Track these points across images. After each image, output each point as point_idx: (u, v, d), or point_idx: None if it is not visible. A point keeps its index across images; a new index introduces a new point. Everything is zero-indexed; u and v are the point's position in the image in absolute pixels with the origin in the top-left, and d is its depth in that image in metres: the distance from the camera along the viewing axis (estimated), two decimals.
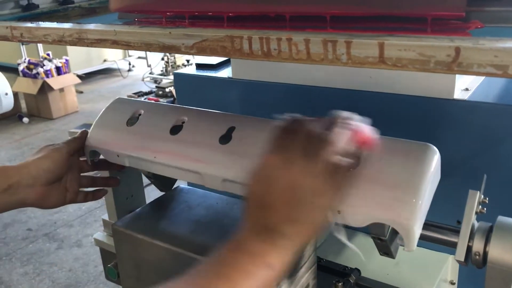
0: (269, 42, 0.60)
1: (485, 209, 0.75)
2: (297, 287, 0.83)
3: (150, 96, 6.18)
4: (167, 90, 6.14)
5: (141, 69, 8.07)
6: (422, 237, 0.75)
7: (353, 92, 1.10)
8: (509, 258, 0.68)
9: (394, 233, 0.76)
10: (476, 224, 0.74)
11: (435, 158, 0.69)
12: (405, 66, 0.52)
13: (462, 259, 0.73)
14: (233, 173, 0.79)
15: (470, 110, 0.97)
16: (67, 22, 0.88)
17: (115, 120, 0.98)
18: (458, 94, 1.00)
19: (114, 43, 0.75)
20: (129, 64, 8.34)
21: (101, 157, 0.98)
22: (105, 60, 8.22)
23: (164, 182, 1.04)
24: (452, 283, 1.08)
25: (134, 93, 6.35)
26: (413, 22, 0.71)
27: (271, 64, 1.21)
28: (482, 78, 1.11)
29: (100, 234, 1.22)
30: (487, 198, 0.76)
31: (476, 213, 0.75)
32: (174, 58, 6.28)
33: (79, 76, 6.82)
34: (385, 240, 0.75)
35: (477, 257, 0.72)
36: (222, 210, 0.90)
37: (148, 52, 8.30)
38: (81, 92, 7.18)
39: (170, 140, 0.87)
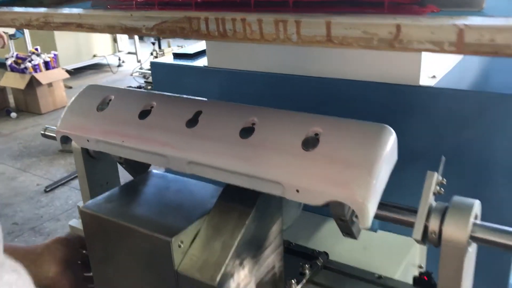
0: (224, 23, 0.61)
1: (443, 190, 0.77)
2: (261, 267, 0.85)
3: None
4: None
5: (131, 64, 8.05)
6: (380, 217, 0.77)
7: (324, 80, 1.11)
8: (461, 236, 0.70)
9: (355, 214, 0.78)
10: (434, 204, 0.76)
11: (391, 139, 0.71)
12: (351, 44, 0.53)
13: (419, 238, 0.74)
14: (198, 155, 0.81)
15: (435, 96, 0.99)
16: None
17: (86, 106, 0.99)
18: (425, 81, 1.01)
19: (79, 26, 0.76)
20: (119, 59, 8.32)
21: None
22: (94, 55, 8.18)
23: (136, 168, 1.05)
24: (420, 267, 1.10)
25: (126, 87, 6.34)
26: (371, 6, 0.72)
27: (245, 52, 1.22)
28: (451, 66, 1.13)
29: (76, 221, 1.24)
30: (445, 180, 0.78)
31: (434, 194, 0.77)
32: (163, 52, 6.28)
33: (68, 71, 6.79)
34: (346, 220, 0.77)
35: (433, 235, 0.74)
36: (190, 194, 0.91)
37: (137, 47, 8.28)
38: (70, 87, 7.15)
39: (138, 124, 0.88)
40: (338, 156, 0.69)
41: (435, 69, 1.07)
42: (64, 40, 7.54)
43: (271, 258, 0.88)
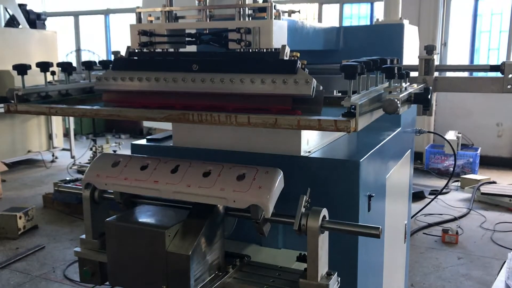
0: (202, 115, 1.33)
1: (308, 204, 1.47)
2: (212, 254, 1.49)
3: (77, 183, 6.59)
4: None
5: (65, 160, 8.45)
6: (276, 222, 1.47)
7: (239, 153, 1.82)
8: (315, 226, 1.40)
9: (264, 220, 1.46)
10: (303, 211, 1.45)
11: (280, 175, 1.43)
12: (258, 125, 1.26)
13: (297, 228, 1.43)
14: (179, 188, 1.47)
15: (310, 163, 1.73)
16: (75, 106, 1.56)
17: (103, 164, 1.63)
18: (304, 153, 1.76)
19: (119, 116, 1.44)
20: (53, 155, 8.70)
21: None
22: (29, 151, 8.50)
23: (129, 205, 1.68)
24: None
25: (60, 181, 6.73)
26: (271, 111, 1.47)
27: (199, 135, 1.91)
28: (321, 145, 1.90)
29: (79, 249, 1.78)
30: (309, 202, 1.48)
31: (304, 206, 1.47)
32: (102, 148, 6.86)
33: (6, 164, 7.08)
34: (259, 222, 1.45)
35: (303, 228, 1.43)
36: (169, 211, 1.58)
37: (73, 144, 8.76)
38: (4, 181, 7.39)
39: (139, 173, 1.54)
40: (256, 184, 1.39)
41: (310, 147, 1.82)
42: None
43: (217, 250, 1.52)
